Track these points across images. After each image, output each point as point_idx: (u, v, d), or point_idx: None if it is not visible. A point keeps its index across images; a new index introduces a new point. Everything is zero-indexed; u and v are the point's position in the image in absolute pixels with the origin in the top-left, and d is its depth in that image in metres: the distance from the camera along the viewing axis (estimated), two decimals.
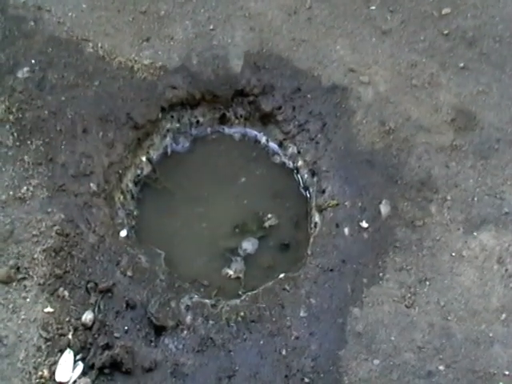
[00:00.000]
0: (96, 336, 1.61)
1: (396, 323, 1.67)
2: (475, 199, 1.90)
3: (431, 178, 1.97)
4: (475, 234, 1.83)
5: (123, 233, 1.93)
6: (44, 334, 1.58)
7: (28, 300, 1.63)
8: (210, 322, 1.69)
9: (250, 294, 1.83)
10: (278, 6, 2.39)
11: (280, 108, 2.28)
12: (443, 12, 2.34)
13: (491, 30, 2.27)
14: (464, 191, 1.92)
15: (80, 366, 1.56)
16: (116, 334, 1.62)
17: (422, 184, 1.96)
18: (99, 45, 2.21)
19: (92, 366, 1.55)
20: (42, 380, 1.51)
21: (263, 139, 2.41)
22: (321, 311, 1.72)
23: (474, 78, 2.17)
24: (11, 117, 1.95)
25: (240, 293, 1.91)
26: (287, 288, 1.78)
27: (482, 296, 1.71)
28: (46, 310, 1.62)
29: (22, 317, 1.60)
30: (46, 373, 1.52)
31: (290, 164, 2.34)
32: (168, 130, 2.33)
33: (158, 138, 2.31)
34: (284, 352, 1.63)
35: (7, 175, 1.83)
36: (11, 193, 1.80)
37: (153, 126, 2.23)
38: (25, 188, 1.82)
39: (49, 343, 1.57)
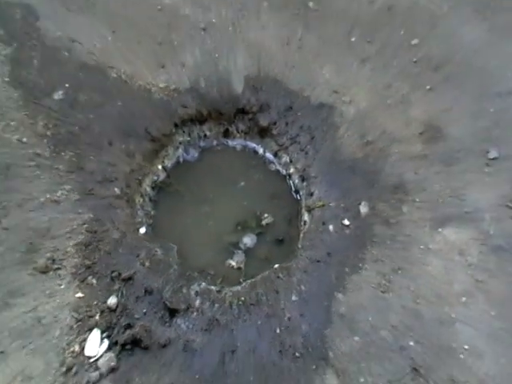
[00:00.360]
0: (119, 317, 1.66)
1: (373, 306, 1.71)
2: (440, 200, 1.95)
3: (403, 183, 2.02)
4: (440, 230, 1.87)
5: (142, 230, 1.99)
6: (75, 316, 1.64)
7: (62, 287, 1.69)
8: (216, 305, 1.74)
9: (249, 281, 1.88)
10: (274, 37, 2.47)
11: (275, 123, 2.35)
12: (412, 43, 2.41)
13: (453, 57, 2.34)
14: (431, 193, 1.97)
15: (106, 342, 1.61)
16: (136, 316, 1.67)
17: (396, 188, 2.01)
18: (122, 71, 2.28)
19: (116, 343, 1.61)
20: (74, 354, 1.57)
21: (261, 150, 2.48)
22: (310, 296, 1.76)
23: (439, 98, 2.23)
24: (48, 132, 2.02)
25: (241, 280, 1.96)
26: (281, 276, 1.83)
27: (445, 282, 1.75)
28: (77, 295, 1.68)
29: (57, 301, 1.66)
30: (77, 348, 1.58)
31: (284, 171, 2.41)
32: (180, 143, 2.40)
33: (172, 149, 2.37)
34: (278, 331, 1.67)
35: (45, 181, 1.89)
36: (48, 196, 1.86)
37: (167, 139, 2.30)
38: (59, 192, 1.89)
39: (79, 323, 1.63)
